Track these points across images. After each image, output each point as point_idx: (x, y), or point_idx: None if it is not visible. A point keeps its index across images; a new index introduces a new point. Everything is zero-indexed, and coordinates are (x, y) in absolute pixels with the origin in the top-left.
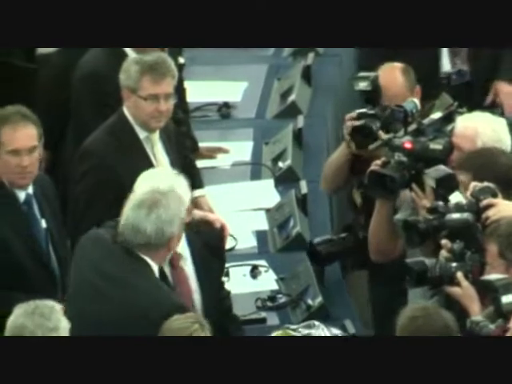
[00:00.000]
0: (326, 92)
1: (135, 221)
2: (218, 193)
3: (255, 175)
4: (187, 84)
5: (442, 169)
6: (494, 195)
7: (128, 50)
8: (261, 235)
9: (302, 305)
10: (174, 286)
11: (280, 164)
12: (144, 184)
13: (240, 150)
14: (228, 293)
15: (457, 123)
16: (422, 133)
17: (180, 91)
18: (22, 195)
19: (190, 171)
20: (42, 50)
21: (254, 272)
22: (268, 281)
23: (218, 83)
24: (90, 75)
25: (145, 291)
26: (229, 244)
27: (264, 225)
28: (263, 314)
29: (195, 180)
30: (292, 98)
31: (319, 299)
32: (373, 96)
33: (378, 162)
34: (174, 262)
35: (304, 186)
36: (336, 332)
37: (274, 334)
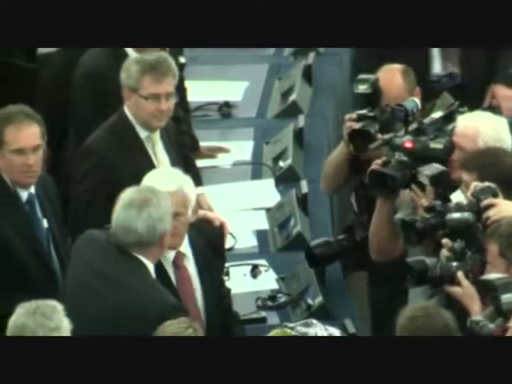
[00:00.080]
0: (326, 91)
1: (126, 220)
2: (219, 192)
3: (256, 175)
4: (188, 83)
5: (435, 166)
6: (495, 195)
7: (129, 50)
8: (261, 235)
9: (302, 304)
10: (177, 286)
11: (281, 163)
12: (150, 184)
13: (241, 149)
14: (228, 291)
15: (458, 122)
16: (423, 132)
17: (181, 91)
18: (24, 195)
19: (190, 170)
20: (42, 50)
21: (255, 271)
22: (268, 280)
23: (219, 83)
24: (90, 75)
25: (140, 291)
26: (228, 243)
27: (264, 224)
28: (263, 314)
29: (194, 178)
30: (293, 97)
31: (319, 299)
32: (373, 98)
33: (379, 161)
34: (178, 261)
35: (305, 186)
36: (333, 330)
37: (272, 332)
